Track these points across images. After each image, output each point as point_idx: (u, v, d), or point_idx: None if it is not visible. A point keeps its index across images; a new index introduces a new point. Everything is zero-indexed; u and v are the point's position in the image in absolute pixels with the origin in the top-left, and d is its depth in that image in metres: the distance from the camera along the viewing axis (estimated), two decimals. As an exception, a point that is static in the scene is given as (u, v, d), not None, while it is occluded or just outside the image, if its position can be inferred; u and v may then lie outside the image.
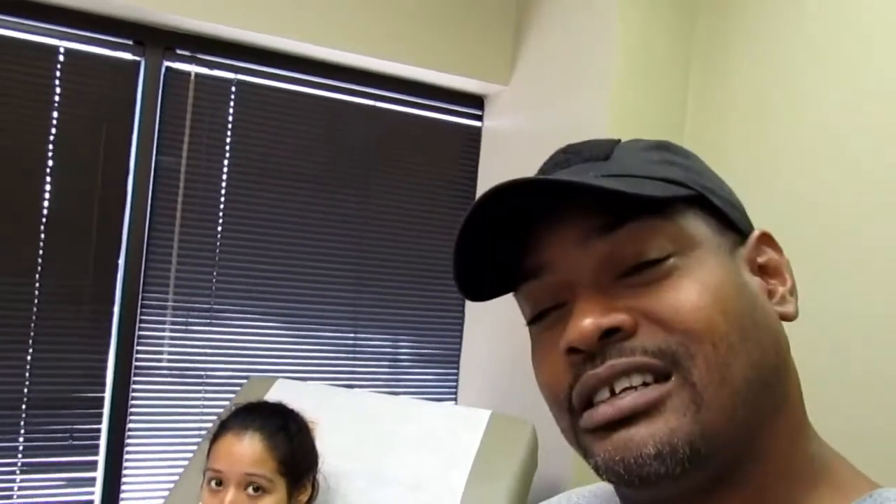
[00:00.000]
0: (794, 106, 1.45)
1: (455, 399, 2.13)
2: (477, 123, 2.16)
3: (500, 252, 0.46)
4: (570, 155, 0.48)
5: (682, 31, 1.72)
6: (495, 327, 1.98)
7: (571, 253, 0.43)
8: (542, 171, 0.49)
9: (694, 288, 0.40)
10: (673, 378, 0.39)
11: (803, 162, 1.41)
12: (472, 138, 2.16)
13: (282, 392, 1.52)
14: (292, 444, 1.19)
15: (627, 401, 0.39)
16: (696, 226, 0.43)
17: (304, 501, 1.24)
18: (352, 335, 2.02)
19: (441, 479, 1.44)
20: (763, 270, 0.46)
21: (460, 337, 2.14)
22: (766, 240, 0.47)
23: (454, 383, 2.14)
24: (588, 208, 0.42)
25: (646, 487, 0.40)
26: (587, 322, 0.40)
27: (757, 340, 0.41)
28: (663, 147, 0.48)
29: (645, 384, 0.40)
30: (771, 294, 0.45)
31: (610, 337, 0.40)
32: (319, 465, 1.28)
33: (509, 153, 2.03)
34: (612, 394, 0.40)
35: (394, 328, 2.06)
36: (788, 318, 0.45)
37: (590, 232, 0.42)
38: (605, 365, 0.40)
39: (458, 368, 2.14)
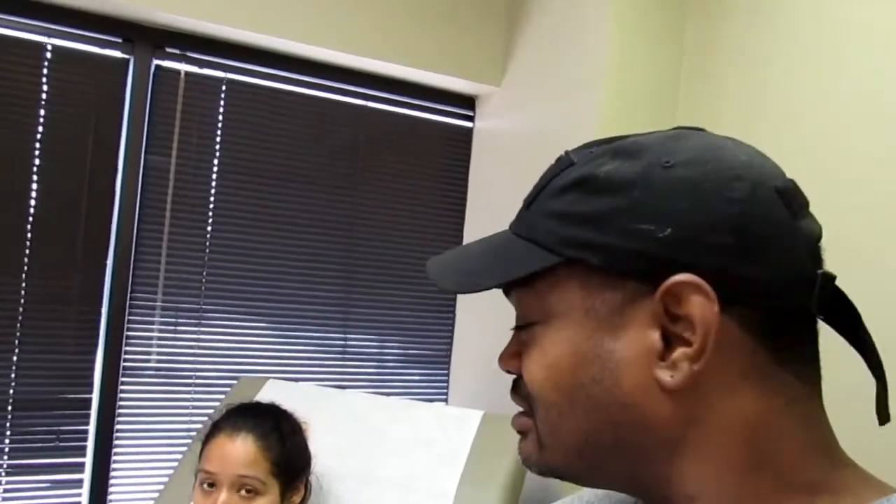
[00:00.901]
0: (788, 107, 1.46)
1: (446, 399, 2.13)
2: (468, 124, 2.16)
3: None
4: (534, 187, 0.51)
5: (672, 33, 1.73)
6: (486, 327, 1.98)
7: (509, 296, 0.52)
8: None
9: (538, 359, 0.47)
10: (533, 421, 0.48)
11: (794, 162, 1.42)
12: (463, 139, 2.16)
13: (273, 392, 1.51)
14: (285, 445, 1.19)
15: (515, 422, 0.51)
16: (564, 293, 0.45)
17: (297, 503, 1.23)
18: (342, 336, 2.01)
19: (433, 479, 1.44)
20: (682, 321, 0.41)
21: (451, 337, 2.14)
22: (689, 287, 0.40)
23: (445, 384, 2.14)
24: None
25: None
26: (500, 358, 0.51)
27: (588, 411, 0.44)
28: (578, 184, 0.45)
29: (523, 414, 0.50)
30: (667, 353, 0.42)
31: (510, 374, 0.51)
32: (312, 466, 1.28)
33: (500, 154, 2.03)
34: None
35: (384, 329, 2.06)
36: (662, 386, 0.42)
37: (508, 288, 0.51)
38: (513, 392, 0.51)
39: (448, 369, 2.14)
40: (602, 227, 0.43)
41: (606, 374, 0.43)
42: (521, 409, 0.50)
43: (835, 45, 1.38)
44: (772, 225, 0.42)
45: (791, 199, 0.44)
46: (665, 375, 0.42)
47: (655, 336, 0.42)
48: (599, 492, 0.58)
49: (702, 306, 0.40)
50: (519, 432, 0.50)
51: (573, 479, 0.48)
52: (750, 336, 0.42)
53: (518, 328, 0.50)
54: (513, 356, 0.50)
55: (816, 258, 0.44)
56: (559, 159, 0.49)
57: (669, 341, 0.42)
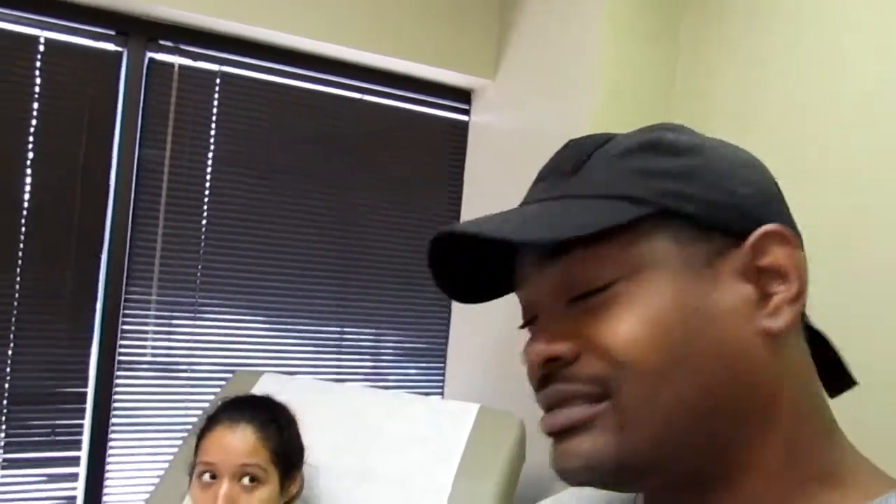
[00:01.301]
0: (785, 104, 1.46)
1: (442, 393, 2.14)
2: (464, 118, 2.15)
3: (491, 262, 0.50)
4: (549, 167, 0.48)
5: (667, 29, 1.73)
6: (482, 321, 1.99)
7: (533, 275, 0.46)
8: (536, 177, 0.50)
9: (629, 318, 0.41)
10: (605, 402, 0.42)
11: (788, 161, 1.42)
12: (459, 132, 2.15)
13: (268, 386, 1.51)
14: (283, 435, 1.19)
15: (561, 418, 0.43)
16: (655, 243, 0.42)
17: (294, 493, 1.23)
18: (338, 329, 2.01)
19: (429, 474, 1.44)
20: (765, 273, 0.43)
21: (447, 331, 2.14)
22: (775, 237, 0.43)
23: (441, 377, 2.14)
24: None
25: (603, 489, 0.45)
26: (534, 350, 0.44)
27: (695, 369, 0.41)
28: (647, 147, 0.45)
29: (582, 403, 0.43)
30: (763, 303, 0.43)
31: (555, 362, 0.43)
32: (305, 458, 1.28)
33: (496, 147, 2.03)
34: (553, 412, 0.44)
35: (380, 322, 2.06)
36: (770, 333, 0.42)
37: (544, 256, 0.45)
38: (551, 388, 0.44)
39: (444, 362, 2.15)
40: (689, 180, 0.43)
41: (710, 327, 0.41)
42: (563, 407, 0.43)
43: (831, 45, 1.38)
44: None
45: None
46: (770, 321, 0.42)
47: (749, 287, 0.42)
48: (599, 491, 0.57)
49: (791, 253, 0.43)
50: (571, 428, 0.43)
51: (642, 475, 0.43)
52: None
53: (588, 294, 0.43)
54: (557, 337, 0.43)
55: None
56: (591, 136, 0.48)
57: (760, 292, 0.43)
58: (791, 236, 0.43)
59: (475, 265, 0.50)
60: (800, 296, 0.43)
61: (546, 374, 0.44)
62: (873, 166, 1.28)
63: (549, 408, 0.45)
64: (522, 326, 0.49)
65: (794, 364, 0.44)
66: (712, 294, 0.42)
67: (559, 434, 0.43)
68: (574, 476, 0.43)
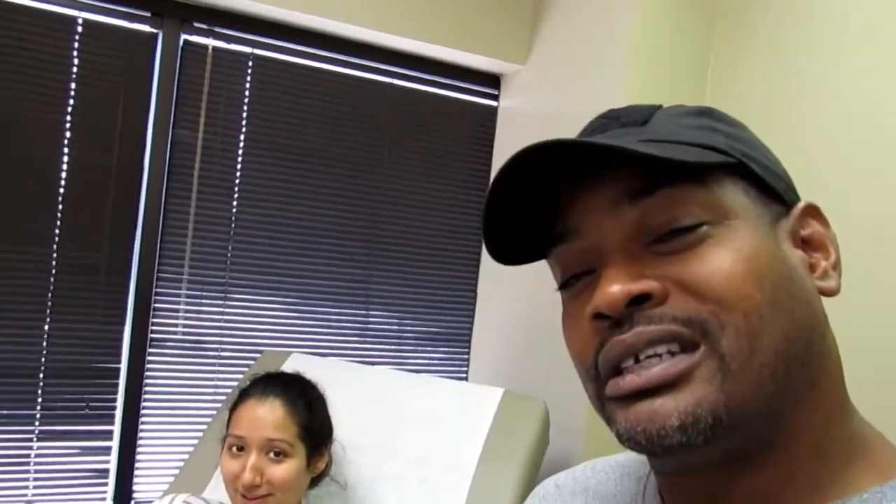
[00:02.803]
0: (817, 86, 1.44)
1: (466, 377, 2.15)
2: (493, 103, 2.15)
3: (532, 215, 0.46)
4: (607, 120, 0.48)
5: (702, 10, 1.70)
6: (507, 305, 1.99)
7: (602, 219, 0.42)
8: (580, 135, 0.49)
9: (727, 256, 0.40)
10: (702, 348, 0.39)
11: (826, 143, 1.40)
12: (488, 117, 2.15)
13: (296, 366, 1.52)
14: (312, 411, 1.21)
15: (656, 371, 0.39)
16: (734, 194, 0.42)
17: (321, 469, 1.25)
18: (364, 312, 2.03)
19: (453, 455, 1.45)
20: (807, 243, 0.45)
21: (472, 315, 2.15)
22: (812, 212, 0.46)
23: (465, 361, 2.16)
24: (620, 173, 0.42)
25: (669, 456, 0.40)
26: (615, 288, 0.40)
27: (790, 313, 0.40)
28: (705, 113, 0.47)
29: (671, 353, 0.39)
30: (813, 268, 0.44)
31: (639, 304, 0.40)
32: (334, 436, 1.30)
33: (525, 133, 2.03)
34: (637, 362, 0.40)
35: (406, 306, 2.07)
36: (829, 293, 0.44)
37: (622, 197, 0.42)
38: (633, 332, 0.40)
39: (469, 346, 2.16)
40: (750, 146, 0.45)
41: (791, 276, 0.42)
42: (650, 353, 0.40)
43: (870, 22, 1.35)
44: None
45: None
46: (824, 283, 0.44)
47: (800, 251, 0.44)
48: (612, 461, 0.58)
49: (826, 227, 0.46)
50: (668, 384, 0.39)
51: (749, 425, 0.39)
52: None
53: (662, 237, 0.41)
54: (642, 276, 0.40)
55: None
56: (635, 106, 0.48)
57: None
58: (824, 214, 0.47)
59: (514, 224, 0.46)
60: (837, 265, 0.45)
61: (618, 322, 0.41)
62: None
63: (621, 359, 0.41)
64: (564, 285, 0.46)
65: (831, 331, 0.45)
66: (783, 250, 0.43)
67: (642, 394, 0.39)
68: (664, 438, 0.38)
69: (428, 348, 2.12)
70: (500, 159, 2.13)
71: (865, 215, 1.31)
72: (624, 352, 0.41)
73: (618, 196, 0.42)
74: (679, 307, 0.40)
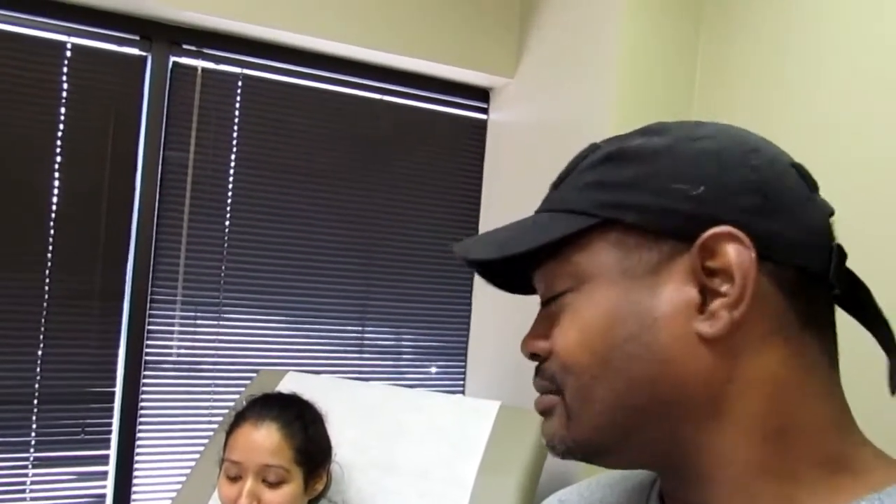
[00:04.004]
0: (805, 95, 1.46)
1: (463, 391, 2.15)
2: (482, 116, 2.16)
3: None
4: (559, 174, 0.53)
5: (688, 19, 1.72)
6: (502, 319, 1.99)
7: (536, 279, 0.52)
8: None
9: (569, 326, 0.47)
10: (559, 395, 0.48)
11: (812, 150, 1.41)
12: (478, 131, 2.16)
13: (292, 385, 1.53)
14: (308, 433, 1.20)
15: (537, 404, 0.51)
16: (596, 256, 0.46)
17: (320, 491, 1.25)
18: (359, 328, 2.02)
19: (451, 469, 1.45)
20: (717, 275, 0.43)
21: (467, 329, 2.15)
22: (725, 238, 0.42)
23: (462, 375, 2.15)
24: None
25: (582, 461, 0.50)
26: (523, 343, 0.52)
27: (623, 371, 0.44)
28: (608, 159, 0.47)
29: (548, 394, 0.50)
30: (703, 306, 0.43)
31: (535, 357, 0.51)
32: (333, 455, 1.29)
33: (515, 146, 2.04)
34: None
35: (401, 321, 2.07)
36: (702, 337, 0.42)
37: (536, 263, 0.51)
38: (535, 380, 0.51)
39: (465, 360, 2.15)
40: (637, 188, 0.45)
41: (644, 331, 0.43)
42: (544, 393, 0.50)
43: (857, 28, 1.37)
44: (792, 191, 0.45)
45: (805, 174, 0.47)
46: (705, 326, 0.42)
47: (693, 291, 0.43)
48: (616, 474, 0.58)
49: (739, 254, 0.42)
50: (542, 413, 0.50)
51: (599, 455, 0.47)
52: (780, 294, 0.43)
53: (546, 302, 0.50)
54: (537, 337, 0.50)
55: (831, 231, 0.47)
56: (587, 147, 0.51)
57: (706, 296, 0.43)
58: (741, 236, 0.42)
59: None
60: (740, 300, 0.42)
61: (536, 365, 0.51)
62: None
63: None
64: None
65: (758, 365, 0.43)
66: (649, 300, 0.44)
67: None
68: (551, 450, 0.50)
69: (425, 363, 2.12)
70: (490, 172, 2.14)
71: (853, 221, 1.32)
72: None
73: (536, 261, 0.51)
74: (549, 367, 0.49)
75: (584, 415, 0.46)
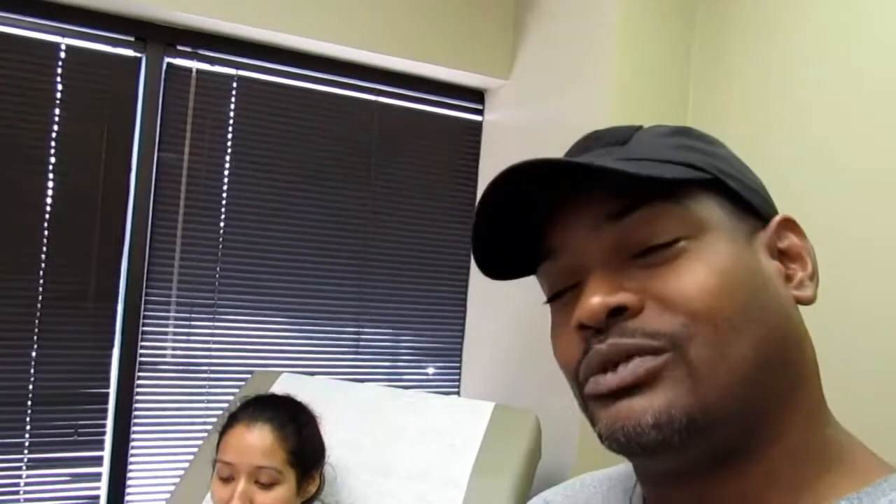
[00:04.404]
0: (796, 99, 1.46)
1: (458, 392, 2.15)
2: (477, 118, 2.17)
3: (521, 232, 0.48)
4: (591, 141, 0.50)
5: (682, 22, 1.73)
6: (497, 319, 1.99)
7: (585, 237, 0.45)
8: (566, 155, 0.51)
9: (700, 270, 0.42)
10: (670, 353, 0.41)
11: (805, 155, 1.42)
12: (473, 132, 2.16)
13: (286, 386, 1.52)
14: (301, 435, 1.20)
15: (629, 370, 0.41)
16: (710, 210, 0.44)
17: (313, 493, 1.24)
18: (355, 330, 2.02)
19: (446, 470, 1.45)
20: (784, 255, 0.47)
21: (462, 330, 2.15)
22: (789, 225, 0.48)
23: (457, 376, 2.15)
24: (599, 193, 0.44)
25: (648, 456, 0.42)
26: (595, 300, 0.42)
27: (762, 321, 0.42)
28: (683, 132, 0.49)
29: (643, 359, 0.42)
30: (789, 278, 0.46)
31: (616, 315, 0.42)
32: (326, 457, 1.29)
33: (510, 147, 2.04)
34: (614, 370, 0.42)
35: (396, 322, 2.07)
36: (804, 301, 0.46)
37: (602, 217, 0.44)
38: (608, 342, 0.42)
39: (460, 362, 2.16)
40: (726, 162, 0.47)
41: (766, 287, 0.44)
42: (623, 363, 0.42)
43: (849, 32, 1.37)
44: None
45: None
46: (800, 292, 0.46)
47: (777, 263, 0.46)
48: (600, 474, 0.58)
49: (803, 239, 0.48)
50: (642, 381, 0.41)
51: (715, 428, 0.41)
52: None
53: (656, 248, 0.43)
54: (620, 289, 0.43)
55: None
56: (616, 127, 0.50)
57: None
58: (800, 227, 0.48)
59: (502, 241, 0.48)
60: (814, 275, 0.47)
61: (598, 330, 0.43)
62: (889, 148, 1.27)
63: (604, 367, 0.43)
64: (552, 298, 0.48)
65: (810, 340, 0.47)
66: (758, 262, 0.45)
67: (620, 393, 0.42)
68: (640, 436, 0.40)
69: (420, 364, 2.12)
70: (486, 173, 2.14)
71: (849, 223, 1.32)
72: (601, 360, 0.43)
73: (598, 216, 0.44)
74: (652, 320, 0.42)
75: (718, 373, 0.40)
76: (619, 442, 0.42)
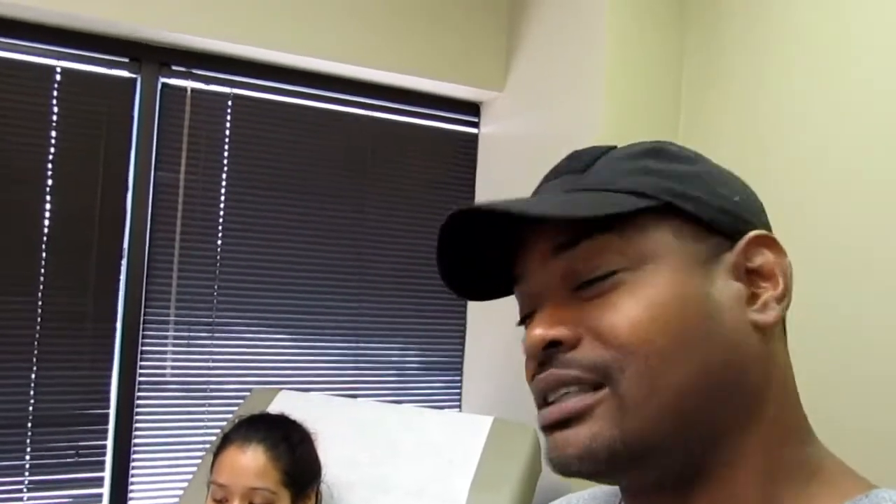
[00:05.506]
0: (788, 106, 1.45)
1: (459, 406, 2.14)
2: (473, 130, 2.17)
3: (495, 260, 0.51)
4: (554, 171, 0.51)
5: (673, 31, 1.72)
6: (497, 334, 1.98)
7: (538, 267, 0.47)
8: (544, 178, 0.52)
9: (632, 303, 0.43)
10: (605, 389, 0.43)
11: (797, 162, 1.41)
12: (469, 145, 2.16)
13: (284, 403, 1.52)
14: (295, 454, 1.20)
15: (559, 407, 0.44)
16: (657, 239, 0.44)
17: (308, 511, 1.24)
18: (354, 345, 2.02)
19: (444, 485, 1.44)
20: (756, 273, 0.46)
21: (462, 344, 2.14)
22: (764, 241, 0.46)
23: (458, 391, 2.14)
24: (549, 226, 0.46)
25: (592, 480, 0.45)
26: (536, 332, 0.45)
27: (700, 351, 0.42)
28: (653, 152, 0.48)
29: (581, 391, 0.44)
30: (753, 299, 0.45)
31: (555, 347, 0.44)
32: (322, 475, 1.29)
33: (506, 158, 2.04)
34: (550, 400, 0.45)
35: (396, 337, 2.07)
36: (761, 326, 0.44)
37: (552, 248, 0.46)
38: (547, 373, 0.45)
39: (461, 376, 2.15)
40: (690, 183, 0.46)
41: (707, 317, 0.43)
42: (560, 393, 0.44)
43: (835, 47, 1.37)
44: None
45: None
46: (761, 316, 0.44)
47: (738, 285, 0.45)
48: (586, 494, 0.58)
49: (778, 255, 0.46)
50: (576, 415, 0.43)
51: (645, 457, 0.42)
52: None
53: (582, 286, 0.45)
54: (564, 321, 0.44)
55: None
56: (590, 147, 0.51)
57: (750, 290, 0.46)
58: (777, 242, 0.46)
59: (475, 262, 0.51)
60: (785, 295, 0.46)
61: (543, 361, 0.45)
62: (881, 168, 1.26)
63: (544, 395, 0.45)
64: (520, 323, 0.50)
65: (780, 360, 0.46)
66: (708, 288, 0.44)
67: (555, 426, 0.44)
68: (569, 466, 0.43)
69: (420, 379, 2.11)
70: (482, 185, 2.14)
71: (844, 225, 1.31)
72: (540, 389, 0.46)
73: (546, 249, 0.46)
74: (588, 353, 0.43)
75: (647, 405, 0.41)
76: (557, 469, 0.44)
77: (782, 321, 0.47)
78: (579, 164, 0.49)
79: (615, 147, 0.50)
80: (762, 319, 0.44)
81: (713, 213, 0.46)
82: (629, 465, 0.42)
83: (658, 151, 0.48)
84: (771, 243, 0.46)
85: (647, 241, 0.44)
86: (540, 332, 0.44)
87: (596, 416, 0.42)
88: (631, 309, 0.43)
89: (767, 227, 0.48)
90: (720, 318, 0.43)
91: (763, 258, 0.46)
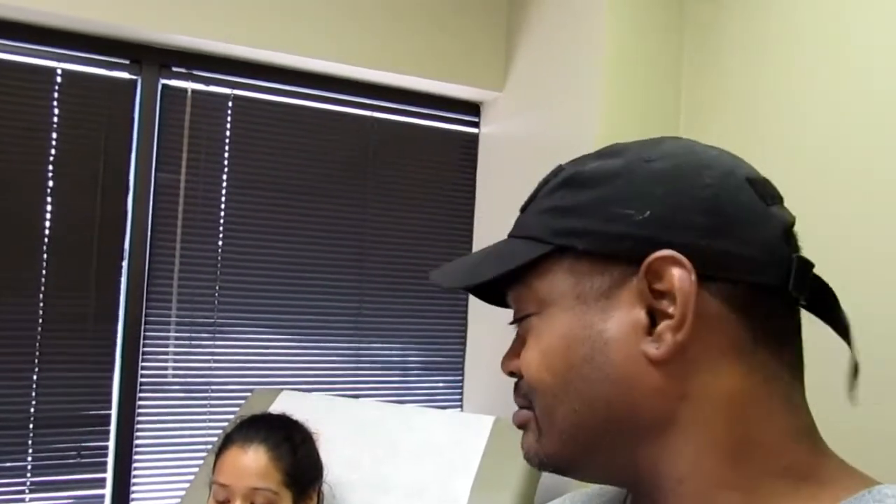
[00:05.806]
0: (788, 107, 1.46)
1: (461, 406, 2.14)
2: (474, 130, 2.17)
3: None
4: (533, 193, 0.54)
5: (672, 31, 1.73)
6: (497, 333, 1.98)
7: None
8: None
9: (535, 345, 0.49)
10: (532, 411, 0.50)
11: (797, 162, 1.41)
12: (470, 145, 2.17)
13: (286, 403, 1.52)
14: (297, 455, 1.20)
15: (514, 418, 0.52)
16: (555, 281, 0.47)
17: (309, 512, 1.24)
18: (355, 345, 2.02)
19: (445, 485, 1.44)
20: (665, 296, 0.43)
21: (464, 344, 2.15)
22: (668, 261, 0.43)
23: (459, 391, 2.15)
24: None
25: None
26: (502, 362, 0.53)
27: (580, 392, 0.46)
28: (564, 184, 0.48)
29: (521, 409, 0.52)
30: (651, 329, 0.44)
31: (512, 375, 0.52)
32: (324, 476, 1.29)
33: (506, 158, 2.04)
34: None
35: (397, 337, 2.07)
36: (649, 359, 0.43)
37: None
38: (514, 395, 0.52)
39: (462, 376, 2.15)
40: (587, 214, 0.46)
41: (597, 353, 0.45)
42: (521, 408, 0.52)
43: (834, 47, 1.37)
44: (742, 207, 0.45)
45: (762, 188, 0.47)
46: (651, 348, 0.43)
47: (641, 313, 0.44)
48: (593, 489, 0.59)
49: (680, 277, 0.43)
50: (519, 427, 0.51)
51: (570, 469, 0.49)
52: (732, 312, 0.44)
53: (514, 323, 0.52)
54: (512, 356, 0.52)
55: (792, 242, 0.46)
56: (553, 169, 0.52)
57: (655, 318, 0.44)
58: (681, 259, 0.42)
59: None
60: (682, 322, 0.43)
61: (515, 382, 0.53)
62: (882, 157, 1.26)
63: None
64: (511, 323, 0.56)
65: (711, 382, 0.43)
66: (602, 324, 0.45)
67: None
68: (528, 462, 0.51)
69: (421, 379, 2.11)
70: (483, 185, 2.14)
71: (841, 224, 1.31)
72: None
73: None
74: (522, 383, 0.50)
75: (551, 431, 0.48)
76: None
77: (754, 337, 0.44)
78: (526, 201, 0.53)
79: (563, 169, 0.50)
80: (652, 352, 0.43)
81: (608, 243, 0.45)
82: (564, 472, 0.49)
83: (570, 181, 0.48)
84: (675, 262, 0.42)
85: (546, 286, 0.48)
86: (502, 363, 0.53)
87: (528, 431, 0.50)
88: (532, 351, 0.49)
89: (710, 225, 0.43)
90: (606, 355, 0.45)
91: (667, 280, 0.43)
